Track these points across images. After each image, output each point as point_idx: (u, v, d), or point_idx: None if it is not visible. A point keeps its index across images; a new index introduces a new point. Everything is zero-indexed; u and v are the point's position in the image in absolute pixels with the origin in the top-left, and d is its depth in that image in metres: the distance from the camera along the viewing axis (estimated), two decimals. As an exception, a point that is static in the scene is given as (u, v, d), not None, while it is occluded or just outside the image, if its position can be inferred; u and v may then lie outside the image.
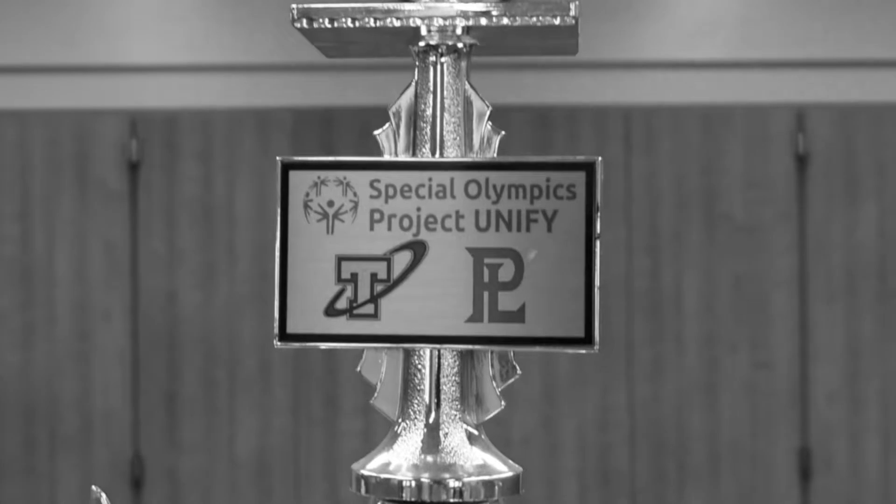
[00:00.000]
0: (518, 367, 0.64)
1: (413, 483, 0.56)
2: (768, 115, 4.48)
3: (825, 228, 4.46)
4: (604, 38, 4.54)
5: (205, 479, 4.40)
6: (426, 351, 0.59)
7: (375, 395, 0.61)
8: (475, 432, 0.59)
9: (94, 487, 0.68)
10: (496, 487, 0.58)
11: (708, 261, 4.45)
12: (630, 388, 4.42)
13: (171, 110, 4.44)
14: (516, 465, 0.59)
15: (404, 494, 0.57)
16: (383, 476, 0.57)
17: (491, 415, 0.61)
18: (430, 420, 0.58)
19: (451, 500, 0.57)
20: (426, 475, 0.57)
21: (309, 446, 4.40)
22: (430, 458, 0.57)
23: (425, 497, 0.56)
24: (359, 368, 0.63)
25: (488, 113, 0.63)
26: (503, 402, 0.61)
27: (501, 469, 0.58)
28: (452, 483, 0.56)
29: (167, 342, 4.33)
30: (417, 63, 0.62)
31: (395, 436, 0.60)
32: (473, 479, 0.57)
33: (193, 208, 4.41)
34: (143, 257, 4.41)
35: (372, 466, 0.58)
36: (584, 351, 0.63)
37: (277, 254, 0.62)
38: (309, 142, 4.36)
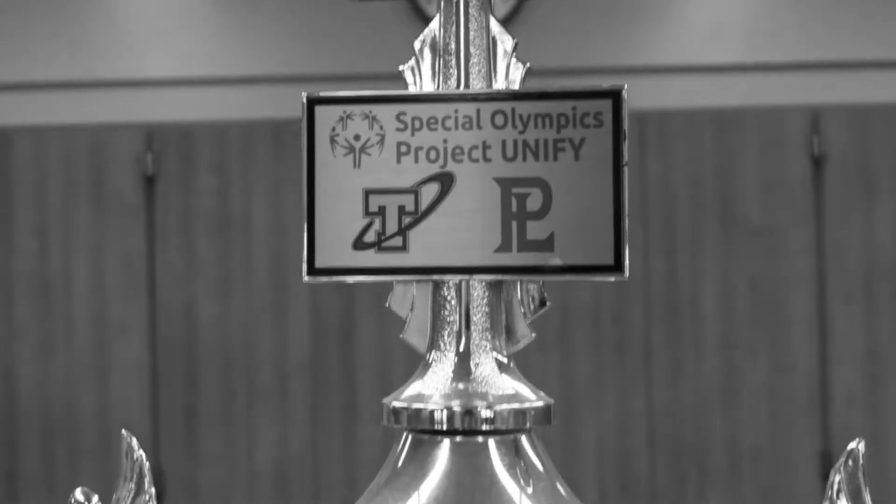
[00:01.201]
0: (548, 300, 0.64)
1: (444, 412, 0.56)
2: (783, 117, 4.48)
3: (842, 230, 4.44)
4: (617, 43, 4.55)
5: (224, 491, 4.40)
6: (455, 282, 0.59)
7: (405, 328, 0.60)
8: (506, 362, 0.59)
9: (123, 432, 0.68)
10: (528, 416, 0.57)
11: (725, 264, 4.44)
12: (649, 393, 4.41)
13: (186, 123, 4.46)
14: (548, 397, 0.58)
15: (436, 424, 0.57)
16: (414, 406, 0.57)
17: (521, 345, 0.60)
18: (461, 350, 0.58)
19: (483, 428, 0.56)
20: (457, 403, 0.56)
21: (328, 455, 4.39)
22: (460, 387, 0.57)
23: (457, 425, 0.56)
24: (388, 304, 0.63)
25: (513, 45, 0.63)
26: (533, 334, 0.61)
27: (532, 398, 0.58)
28: (484, 411, 0.56)
29: (185, 354, 4.34)
30: None
31: (426, 368, 0.60)
32: (505, 406, 0.56)
33: (210, 220, 4.42)
34: (161, 270, 4.42)
35: (403, 398, 0.58)
36: (613, 279, 0.62)
37: (305, 189, 0.62)
38: (324, 152, 4.38)
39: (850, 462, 0.56)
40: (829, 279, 4.44)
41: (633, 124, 4.56)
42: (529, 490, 0.56)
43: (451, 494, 0.55)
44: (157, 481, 3.91)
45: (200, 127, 4.45)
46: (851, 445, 0.57)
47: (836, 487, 0.55)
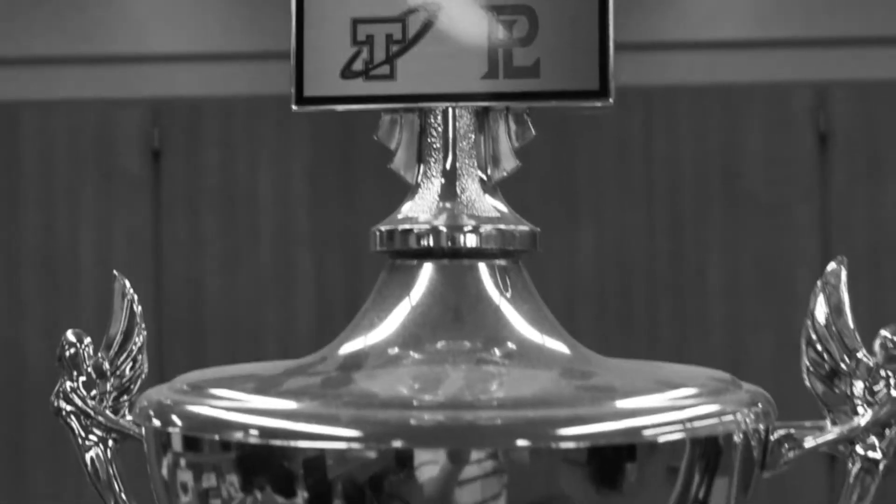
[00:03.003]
0: (533, 128, 0.65)
1: (429, 232, 0.56)
2: (789, 93, 4.47)
3: (848, 206, 4.44)
4: (622, 20, 4.54)
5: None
6: (442, 109, 0.59)
7: (393, 159, 0.61)
8: (491, 187, 0.60)
9: (115, 272, 0.69)
10: (514, 237, 0.58)
11: (730, 240, 4.44)
12: (654, 369, 4.42)
13: (193, 98, 4.47)
14: (534, 226, 0.59)
15: (420, 242, 0.57)
16: (400, 228, 0.58)
17: (506, 173, 0.61)
18: (447, 176, 0.58)
19: (468, 247, 0.57)
20: (442, 222, 0.57)
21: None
22: (446, 207, 0.58)
23: (442, 243, 0.56)
24: (376, 136, 0.63)
25: None
26: (518, 162, 0.61)
27: (517, 222, 0.58)
28: (469, 230, 0.56)
29: (191, 328, 4.35)
30: None
31: (413, 194, 0.60)
32: (490, 226, 0.57)
33: (216, 195, 4.43)
34: (167, 244, 4.43)
35: (389, 221, 0.58)
36: (599, 104, 0.63)
37: (294, 18, 0.62)
38: (328, 126, 4.39)
39: (832, 279, 0.56)
40: (834, 255, 4.42)
41: (638, 100, 4.54)
42: (515, 308, 0.57)
43: (437, 312, 0.55)
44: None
45: (207, 102, 4.46)
46: (832, 265, 0.56)
47: (816, 302, 0.55)
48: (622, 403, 0.48)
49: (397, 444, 0.44)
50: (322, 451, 0.47)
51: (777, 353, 4.41)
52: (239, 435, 0.47)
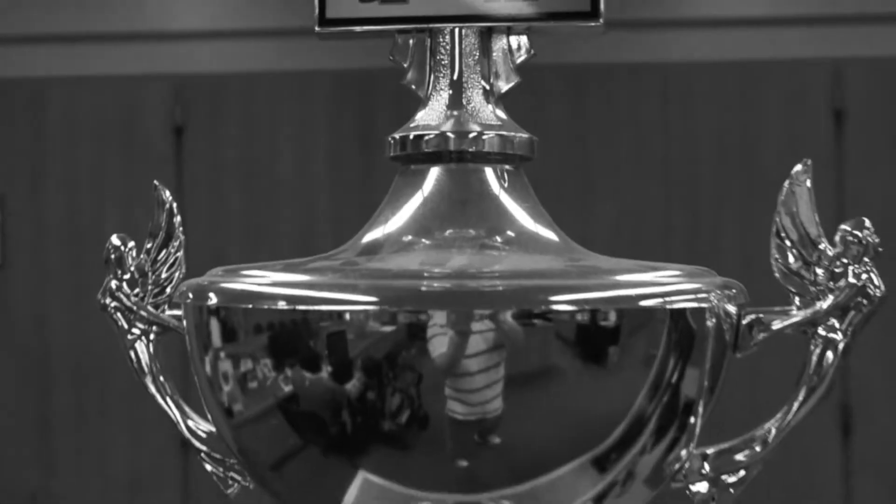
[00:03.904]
0: (532, 48, 0.71)
1: (438, 136, 0.62)
2: (805, 70, 4.49)
3: (863, 182, 4.46)
4: (639, -3, 4.57)
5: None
6: (450, 30, 0.65)
7: (406, 76, 0.67)
8: (494, 100, 0.66)
9: (155, 182, 0.75)
10: (513, 143, 0.64)
11: (746, 216, 4.46)
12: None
13: (215, 75, 4.51)
14: (532, 135, 0.65)
15: (430, 147, 0.63)
16: (413, 135, 0.64)
17: (508, 86, 0.67)
18: (454, 88, 0.64)
19: (472, 150, 0.63)
20: (450, 128, 0.63)
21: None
22: (454, 116, 0.63)
23: (450, 147, 0.62)
24: (390, 55, 0.69)
25: None
26: (519, 78, 0.67)
27: (517, 129, 0.64)
28: (473, 135, 0.62)
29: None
30: None
31: (423, 106, 0.66)
32: (492, 133, 0.63)
33: (237, 170, 4.48)
34: (189, 219, 4.49)
35: (403, 129, 0.64)
36: (591, 24, 0.68)
37: (315, -55, 0.68)
38: (348, 102, 4.43)
39: (798, 179, 0.62)
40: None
41: (655, 78, 4.57)
42: (515, 204, 0.63)
43: (445, 206, 0.61)
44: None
45: (229, 78, 4.51)
46: (798, 167, 0.62)
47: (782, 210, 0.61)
48: (608, 277, 0.54)
49: (409, 308, 0.50)
50: (343, 330, 0.53)
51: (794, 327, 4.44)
52: (268, 304, 0.53)
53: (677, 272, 0.57)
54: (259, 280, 0.57)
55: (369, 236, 0.63)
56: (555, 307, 0.50)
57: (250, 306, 0.53)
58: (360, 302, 0.51)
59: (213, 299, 0.56)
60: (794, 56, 4.53)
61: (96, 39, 4.57)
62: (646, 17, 4.55)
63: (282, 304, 0.53)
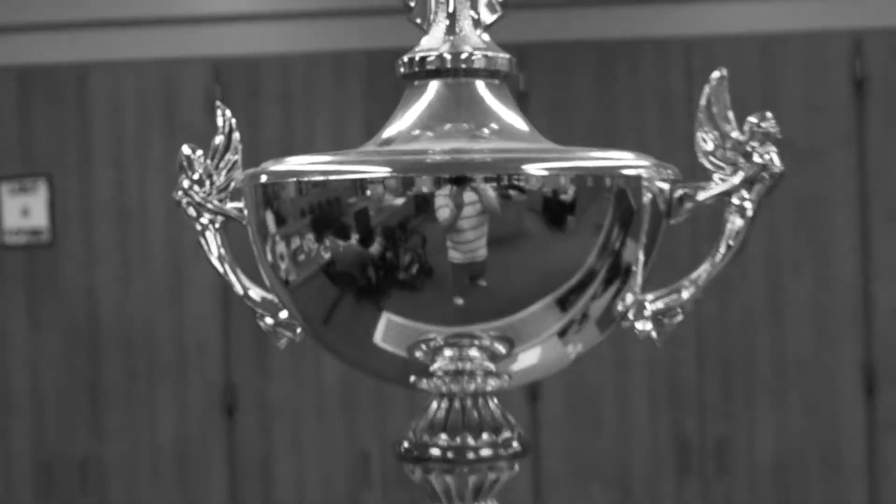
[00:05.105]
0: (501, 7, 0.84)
1: (438, 57, 0.78)
2: (826, 41, 4.56)
3: (884, 150, 4.53)
4: (662, -28, 4.66)
5: (294, 404, 4.60)
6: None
7: (412, 12, 0.81)
8: (482, 28, 0.80)
9: (217, 102, 0.91)
10: (496, 61, 0.79)
11: (769, 184, 4.55)
12: (696, 308, 4.51)
13: (252, 56, 4.64)
14: (511, 56, 0.80)
15: (430, 65, 0.78)
16: (418, 56, 0.79)
17: (493, 18, 0.81)
18: (449, 20, 0.79)
19: (463, 67, 0.78)
20: (447, 50, 0.78)
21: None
22: (449, 41, 0.78)
23: (448, 65, 0.78)
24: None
25: None
26: (501, 11, 0.81)
27: (499, 51, 0.80)
28: (465, 56, 0.78)
29: (257, 273, 4.50)
30: None
31: (425, 34, 0.81)
32: (480, 53, 0.78)
33: (275, 148, 4.57)
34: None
35: (409, 53, 0.79)
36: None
37: None
38: (383, 81, 4.53)
39: (715, 81, 0.76)
40: (871, 197, 4.53)
41: (678, 51, 4.65)
42: (499, 108, 0.78)
43: (444, 109, 0.77)
44: (230, 396, 4.16)
45: (265, 59, 4.63)
46: (716, 73, 0.76)
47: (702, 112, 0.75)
48: (566, 153, 0.69)
49: (415, 175, 0.66)
50: (366, 206, 0.68)
51: (815, 290, 4.52)
52: (307, 177, 0.70)
53: (623, 154, 0.72)
54: (298, 162, 0.73)
55: (385, 134, 0.79)
56: (525, 172, 0.66)
57: (294, 180, 0.69)
58: (377, 171, 0.68)
59: (264, 178, 0.73)
60: (816, 28, 4.60)
61: (138, 24, 4.70)
62: (669, -9, 4.64)
63: (317, 177, 0.69)
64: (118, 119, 4.64)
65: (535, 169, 0.67)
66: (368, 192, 0.69)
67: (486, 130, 0.76)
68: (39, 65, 4.67)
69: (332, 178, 0.68)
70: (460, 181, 0.67)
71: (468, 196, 0.66)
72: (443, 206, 0.65)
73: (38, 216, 4.62)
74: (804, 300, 4.53)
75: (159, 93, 4.63)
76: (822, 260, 4.54)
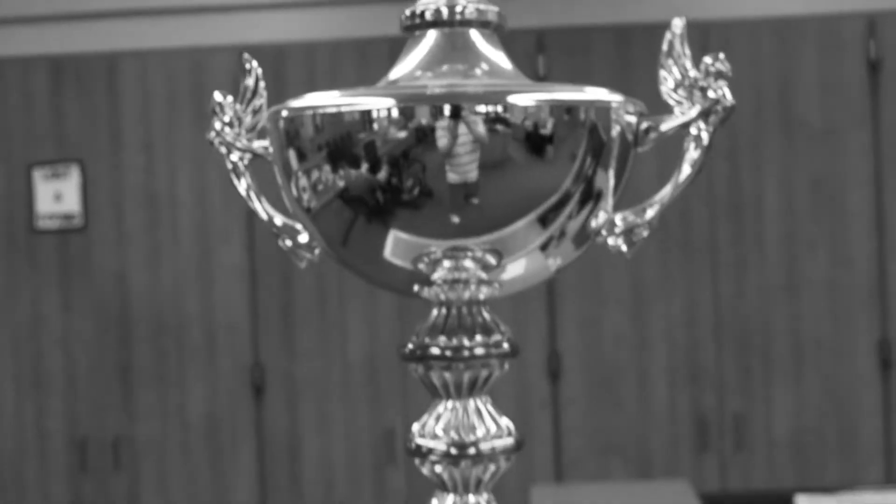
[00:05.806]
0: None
1: (436, 9, 0.88)
2: (840, 23, 4.62)
3: (899, 130, 4.59)
4: (678, -43, 4.73)
5: (320, 383, 4.70)
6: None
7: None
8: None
9: (245, 54, 1.01)
10: (486, 13, 0.90)
11: (786, 164, 4.60)
12: (715, 287, 4.58)
13: (277, 44, 4.72)
14: (501, 10, 0.90)
15: (429, 16, 0.89)
16: (419, 10, 0.90)
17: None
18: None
19: (458, 18, 0.88)
20: (443, 3, 0.88)
21: (414, 346, 4.65)
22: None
23: (444, 17, 0.88)
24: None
25: None
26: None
27: (490, 5, 0.90)
28: (459, 9, 0.88)
29: (281, 258, 4.55)
30: None
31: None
32: (472, 6, 0.88)
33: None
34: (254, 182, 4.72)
35: (410, 6, 0.89)
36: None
37: None
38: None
39: (675, 30, 0.86)
40: (885, 177, 4.58)
41: (696, 34, 4.71)
42: (490, 52, 0.89)
43: (441, 54, 0.87)
44: (258, 375, 4.27)
45: (290, 47, 4.72)
46: (676, 21, 0.86)
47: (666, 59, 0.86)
48: (548, 87, 0.80)
49: (414, 105, 0.77)
50: (373, 139, 0.79)
51: (830, 269, 4.58)
52: (322, 110, 0.80)
53: (597, 90, 0.82)
54: (315, 98, 0.84)
55: (390, 76, 0.89)
56: (510, 103, 0.77)
57: (311, 113, 0.80)
58: (383, 103, 0.79)
59: (285, 112, 0.84)
60: (831, 10, 4.66)
61: (166, 13, 4.79)
62: (685, -24, 4.71)
63: (331, 110, 0.80)
64: (148, 106, 4.74)
65: (518, 99, 0.78)
66: (375, 126, 0.79)
67: (477, 70, 0.86)
68: (71, 54, 4.78)
69: (343, 109, 0.79)
70: (456, 114, 0.77)
71: (462, 127, 0.77)
72: (442, 136, 0.76)
73: (71, 201, 4.73)
74: (820, 279, 4.59)
75: (187, 80, 4.72)
76: (838, 239, 4.60)
